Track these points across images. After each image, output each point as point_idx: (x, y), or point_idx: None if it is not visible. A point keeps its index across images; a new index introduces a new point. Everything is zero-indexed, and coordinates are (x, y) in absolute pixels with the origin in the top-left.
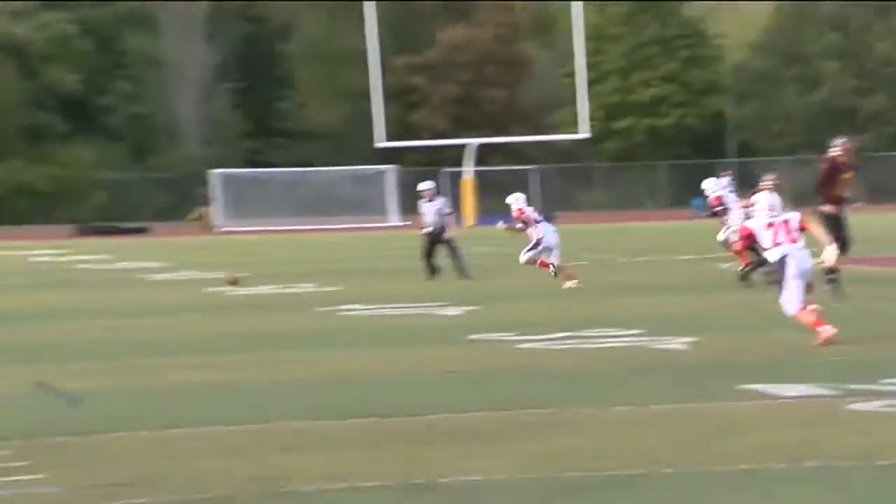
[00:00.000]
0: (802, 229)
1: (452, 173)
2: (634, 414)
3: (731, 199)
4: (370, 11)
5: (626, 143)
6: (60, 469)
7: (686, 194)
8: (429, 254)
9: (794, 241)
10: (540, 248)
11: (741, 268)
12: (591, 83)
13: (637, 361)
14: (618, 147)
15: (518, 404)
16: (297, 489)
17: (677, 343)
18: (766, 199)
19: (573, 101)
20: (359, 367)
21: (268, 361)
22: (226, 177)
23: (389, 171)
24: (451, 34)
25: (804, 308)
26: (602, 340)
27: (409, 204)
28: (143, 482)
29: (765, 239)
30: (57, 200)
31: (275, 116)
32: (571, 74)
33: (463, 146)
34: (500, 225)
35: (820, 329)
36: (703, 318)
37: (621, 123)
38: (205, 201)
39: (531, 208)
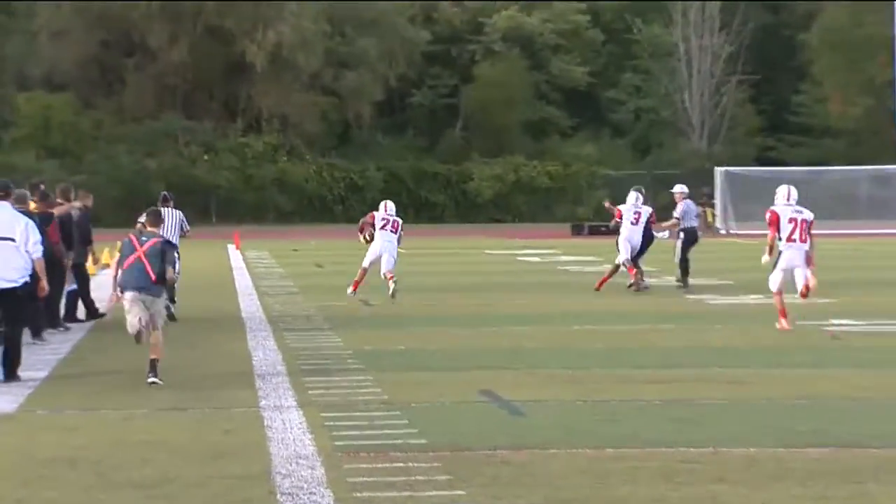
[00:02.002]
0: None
1: None
2: None
3: None
4: None
5: None
6: (481, 487)
7: None
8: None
9: (803, 240)
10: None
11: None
12: None
13: None
14: None
15: None
16: None
17: None
18: (784, 192)
19: None
20: (826, 389)
21: (727, 378)
22: (730, 175)
23: None
24: None
25: (780, 294)
26: None
27: None
28: None
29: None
30: (557, 198)
31: (790, 111)
32: None
33: None
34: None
35: (782, 319)
36: None
37: None
38: (708, 202)
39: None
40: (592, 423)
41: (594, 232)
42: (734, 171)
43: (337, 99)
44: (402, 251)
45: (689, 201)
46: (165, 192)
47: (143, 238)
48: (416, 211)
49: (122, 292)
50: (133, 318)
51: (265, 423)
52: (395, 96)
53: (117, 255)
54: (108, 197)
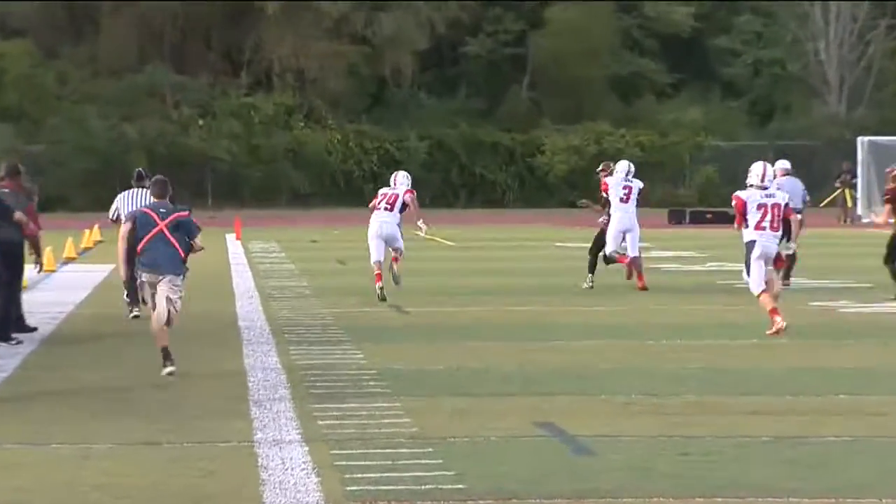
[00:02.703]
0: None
1: None
2: None
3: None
4: None
5: None
6: None
7: None
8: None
9: (774, 228)
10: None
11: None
12: None
13: None
14: None
15: None
16: None
17: None
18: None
19: None
20: None
21: (856, 409)
22: (877, 147)
23: None
24: None
25: (766, 292)
26: None
27: None
28: None
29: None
30: (650, 176)
31: None
32: None
33: None
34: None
35: (775, 318)
36: None
37: None
38: (847, 181)
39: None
40: (679, 465)
41: (697, 220)
42: (882, 141)
43: (369, 49)
44: (428, 237)
45: (792, 179)
46: (141, 169)
47: (163, 210)
48: (469, 192)
49: (140, 274)
50: (161, 304)
51: (259, 462)
52: (444, 46)
53: (122, 233)
54: (75, 171)
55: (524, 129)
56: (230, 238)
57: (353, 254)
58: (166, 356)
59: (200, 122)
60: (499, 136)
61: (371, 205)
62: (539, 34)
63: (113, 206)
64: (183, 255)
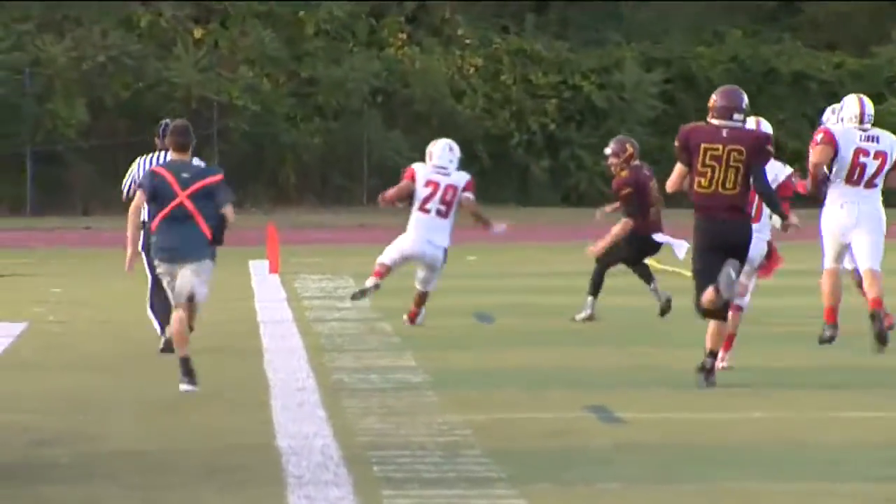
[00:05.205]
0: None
1: None
2: None
3: None
4: None
5: None
6: None
7: None
8: None
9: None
10: None
11: None
12: None
13: None
14: None
15: None
16: None
17: None
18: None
19: None
20: None
21: None
22: None
23: None
24: None
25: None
26: None
27: None
28: None
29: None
30: None
31: None
32: None
33: None
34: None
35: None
36: None
37: None
38: None
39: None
40: None
41: None
42: None
43: None
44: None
45: None
46: (168, 121)
47: (185, 175)
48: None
49: (156, 259)
50: (179, 305)
51: None
52: None
53: (135, 205)
54: None
55: (859, 45)
56: (257, 267)
57: (499, 300)
58: (186, 370)
59: (197, 34)
60: (806, 61)
61: (390, 195)
62: None
63: (127, 178)
64: (210, 236)
